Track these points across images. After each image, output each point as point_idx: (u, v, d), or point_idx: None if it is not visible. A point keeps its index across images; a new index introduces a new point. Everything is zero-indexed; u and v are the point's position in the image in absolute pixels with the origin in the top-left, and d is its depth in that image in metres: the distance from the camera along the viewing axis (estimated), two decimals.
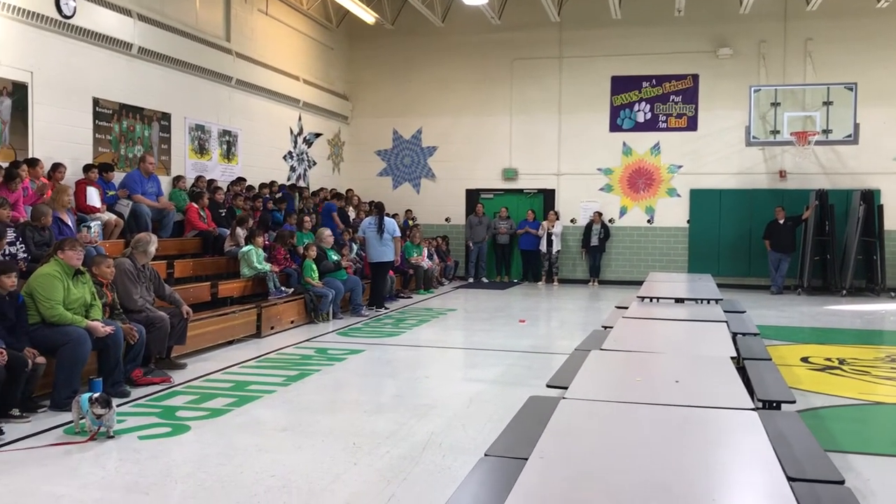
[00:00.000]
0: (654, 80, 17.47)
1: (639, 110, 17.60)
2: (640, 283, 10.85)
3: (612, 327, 6.14)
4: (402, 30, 18.28)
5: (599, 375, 4.22)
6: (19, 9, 9.37)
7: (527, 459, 2.70)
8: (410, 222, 17.42)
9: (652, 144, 17.58)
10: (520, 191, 18.38)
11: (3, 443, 5.28)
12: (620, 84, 17.65)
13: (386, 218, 12.78)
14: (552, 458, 2.73)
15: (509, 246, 17.99)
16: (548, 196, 18.19)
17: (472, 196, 18.49)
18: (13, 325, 6.07)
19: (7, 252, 7.13)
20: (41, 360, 6.03)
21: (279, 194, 14.26)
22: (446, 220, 18.67)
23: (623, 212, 17.83)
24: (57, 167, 9.44)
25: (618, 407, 3.47)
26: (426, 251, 16.19)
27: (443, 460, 5.02)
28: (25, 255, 7.44)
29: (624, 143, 17.69)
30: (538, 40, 17.85)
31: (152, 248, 7.82)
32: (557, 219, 17.56)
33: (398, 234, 12.91)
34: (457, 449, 5.24)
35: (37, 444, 5.31)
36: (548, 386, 4.86)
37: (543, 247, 17.49)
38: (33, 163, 9.15)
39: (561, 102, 17.89)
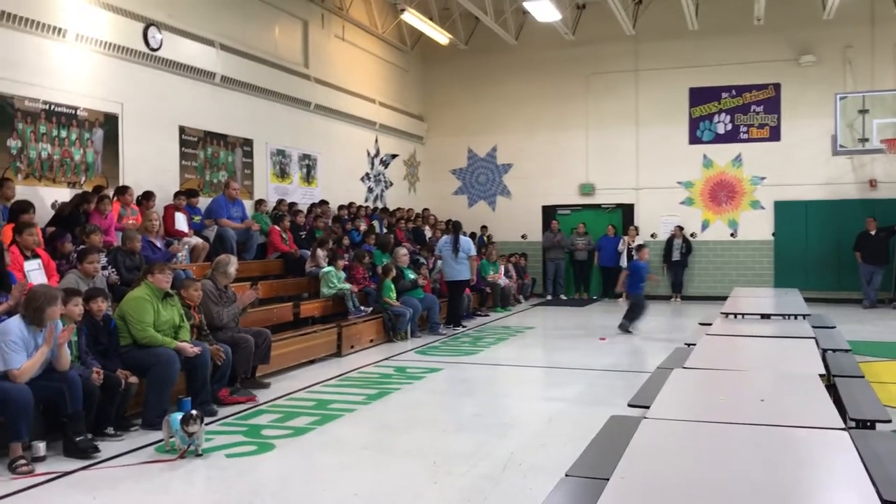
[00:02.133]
0: (733, 91, 17.09)
1: (719, 122, 17.24)
2: (723, 298, 10.58)
3: (695, 345, 6.01)
4: (475, 49, 18.40)
5: (682, 394, 4.13)
6: (110, 44, 9.83)
7: (608, 480, 2.67)
8: (486, 239, 17.43)
9: (733, 156, 17.17)
10: (598, 206, 18.19)
11: (98, 460, 5.49)
12: (699, 95, 17.34)
13: (461, 237, 12.82)
14: (634, 479, 2.69)
15: (588, 262, 17.79)
16: (626, 211, 17.95)
17: (549, 212, 18.40)
18: (106, 348, 6.35)
19: (101, 276, 7.44)
20: (133, 380, 6.27)
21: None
22: (522, 237, 18.62)
23: (705, 225, 17.45)
24: (149, 196, 9.84)
25: (701, 427, 3.40)
26: (503, 268, 16.17)
27: (523, 480, 4.98)
28: (117, 278, 7.75)
29: (704, 156, 17.34)
30: (613, 54, 17.71)
31: (232, 270, 8.03)
32: (637, 234, 17.29)
33: (474, 252, 12.93)
34: (537, 469, 5.20)
35: (130, 461, 5.51)
36: (629, 405, 4.79)
37: (623, 262, 17.22)
38: (123, 190, 9.55)
39: (638, 116, 17.67)
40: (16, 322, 5.51)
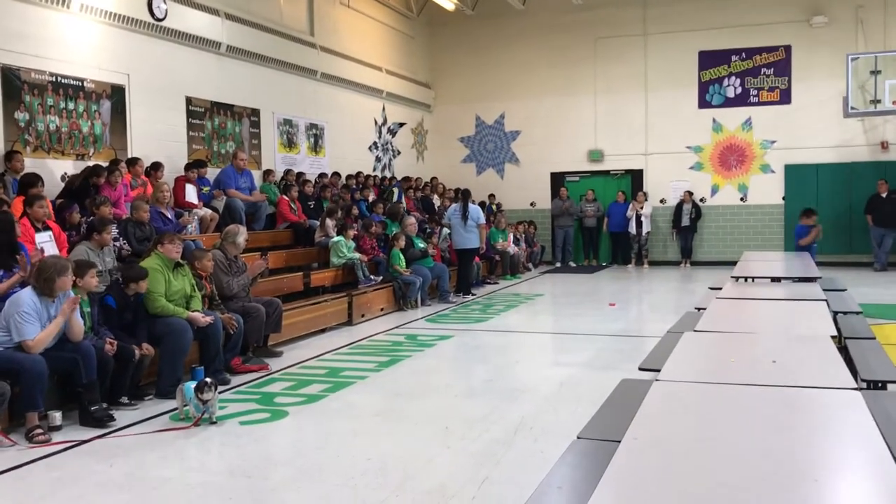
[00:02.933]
0: (743, 54, 16.89)
1: (728, 85, 17.06)
2: (733, 263, 10.55)
3: (705, 309, 6.00)
4: (482, 15, 18.21)
5: (693, 357, 4.14)
6: (115, 14, 9.77)
7: (620, 442, 2.68)
8: (494, 207, 17.39)
9: (743, 120, 17.02)
10: (606, 172, 18.10)
11: (114, 429, 5.56)
12: (708, 59, 17.14)
13: (470, 205, 12.78)
14: (646, 441, 2.70)
15: (597, 229, 17.75)
16: (636, 177, 17.85)
17: (557, 179, 18.32)
18: (130, 322, 6.39)
19: (113, 247, 7.46)
20: (150, 351, 6.32)
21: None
22: (531, 204, 18.56)
23: (715, 190, 17.35)
24: (158, 167, 9.84)
25: (712, 388, 3.40)
26: (512, 236, 16.15)
27: (535, 444, 5.02)
28: (129, 250, 7.78)
29: (714, 120, 17.19)
30: (622, 18, 17.50)
31: (241, 239, 8.02)
32: (646, 199, 17.22)
33: (483, 220, 12.90)
34: (548, 432, 5.24)
35: (145, 430, 5.57)
36: (640, 369, 4.78)
37: (633, 228, 17.18)
38: (133, 162, 9.57)
39: (647, 80, 17.50)
40: (28, 293, 5.55)
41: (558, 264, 17.69)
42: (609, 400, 4.05)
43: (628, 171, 17.92)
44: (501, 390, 6.55)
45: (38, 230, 6.92)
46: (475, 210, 12.77)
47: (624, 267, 17.30)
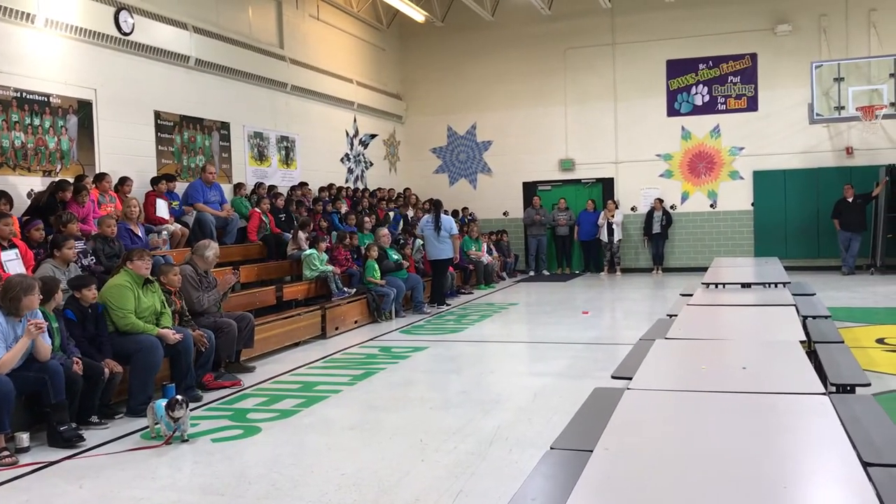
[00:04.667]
0: (710, 62, 17.11)
1: (696, 93, 17.27)
2: (704, 269, 10.65)
3: (676, 315, 6.05)
4: (452, 26, 18.29)
5: (664, 365, 4.16)
6: (81, 29, 9.68)
7: (592, 451, 2.68)
8: (467, 218, 17.41)
9: (711, 127, 17.23)
10: (578, 181, 18.21)
11: (83, 449, 5.47)
12: (676, 68, 17.34)
13: (443, 216, 12.79)
14: (617, 450, 2.70)
15: (569, 237, 17.84)
16: (607, 185, 17.99)
17: (530, 189, 18.40)
18: (94, 335, 6.31)
19: (81, 264, 7.38)
20: (118, 369, 6.24)
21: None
22: (504, 213, 18.62)
23: (685, 197, 17.52)
24: (124, 181, 9.73)
25: (683, 396, 3.42)
26: (485, 246, 16.18)
27: (509, 454, 5.02)
28: (98, 267, 7.69)
29: (682, 128, 17.38)
30: (590, 28, 17.66)
31: (209, 253, 7.94)
32: (617, 207, 17.35)
33: (455, 231, 12.90)
34: (523, 443, 5.24)
35: (115, 449, 5.49)
36: (613, 377, 4.81)
37: (604, 236, 17.30)
38: (100, 177, 9.45)
39: (616, 90, 17.66)
40: None
41: (532, 273, 17.75)
42: (582, 409, 4.07)
43: (599, 180, 18.05)
44: (476, 401, 6.54)
45: (3, 248, 6.81)
46: (448, 221, 12.77)
47: (597, 275, 17.40)
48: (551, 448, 3.39)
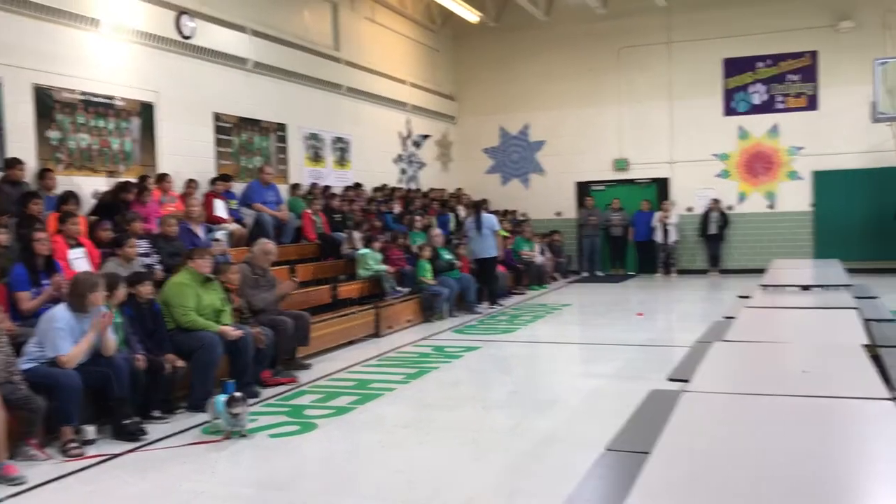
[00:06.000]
0: (769, 60, 16.76)
1: (754, 92, 16.94)
2: (762, 271, 10.44)
3: (734, 318, 5.96)
4: (505, 26, 18.26)
5: (723, 368, 4.11)
6: (143, 33, 9.93)
7: (649, 454, 2.67)
8: (520, 218, 17.37)
9: (769, 127, 16.88)
10: (632, 181, 18.02)
11: (146, 442, 5.62)
12: (733, 66, 17.03)
13: (483, 214, 12.78)
14: (676, 452, 2.69)
15: (623, 238, 17.67)
16: (661, 185, 17.76)
17: (583, 189, 18.28)
18: (152, 331, 6.49)
19: (143, 263, 7.58)
20: (179, 364, 6.40)
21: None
22: (557, 214, 18.52)
23: (742, 198, 17.20)
24: (189, 182, 9.99)
25: (743, 399, 3.38)
26: (538, 246, 16.13)
27: (564, 455, 5.01)
28: (160, 265, 7.89)
29: (739, 127, 17.07)
30: (645, 27, 17.45)
31: (261, 250, 8.09)
32: (672, 208, 17.12)
33: (497, 227, 12.83)
34: (577, 444, 5.22)
35: (176, 443, 5.64)
36: (669, 379, 4.76)
37: (659, 237, 17.08)
38: (161, 178, 9.70)
39: (671, 88, 17.42)
40: (62, 309, 5.65)
41: (585, 274, 17.62)
42: (638, 411, 4.04)
43: (654, 180, 17.83)
44: (530, 401, 6.54)
45: (71, 247, 7.04)
46: (488, 218, 12.74)
47: (651, 276, 17.19)
48: (607, 449, 3.38)
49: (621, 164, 17.96)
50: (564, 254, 17.78)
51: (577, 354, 9.30)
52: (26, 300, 6.14)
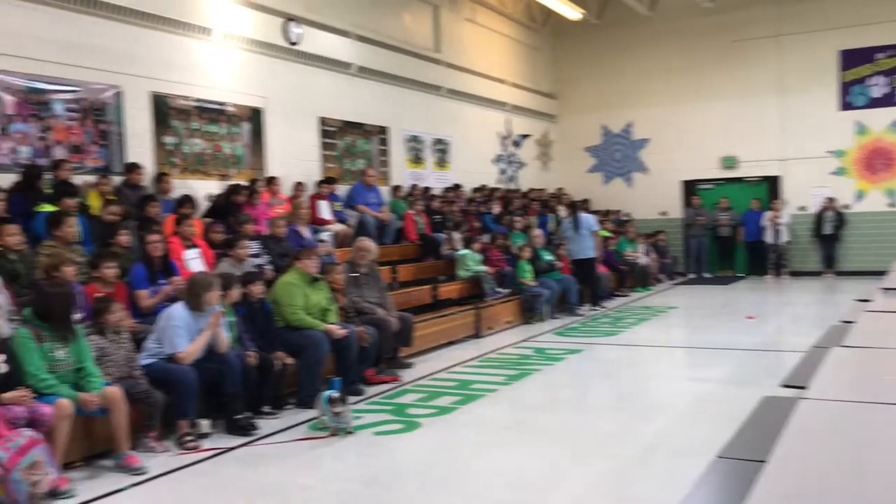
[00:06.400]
0: (890, 51, 15.88)
1: (873, 84, 16.07)
2: (882, 273, 9.91)
3: (853, 322, 5.67)
4: (608, 23, 17.98)
5: (844, 374, 3.91)
6: (253, 40, 10.28)
7: (765, 462, 2.57)
8: (623, 218, 17.08)
9: (891, 121, 15.98)
10: (741, 179, 17.41)
11: (257, 437, 5.81)
12: (850, 58, 16.22)
13: (582, 214, 12.60)
14: (794, 462, 2.57)
15: (732, 238, 17.09)
16: (772, 183, 17.09)
17: (689, 187, 17.80)
18: (263, 329, 6.71)
19: (254, 263, 7.84)
20: (289, 361, 6.59)
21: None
22: (662, 213, 18.09)
23: (860, 196, 16.36)
24: (297, 185, 10.29)
25: (866, 408, 3.20)
26: (641, 247, 15.80)
27: (671, 462, 4.89)
28: (270, 265, 8.14)
29: (857, 122, 16.23)
30: (755, 19, 16.83)
31: (356, 247, 8.22)
32: (784, 207, 16.44)
33: (596, 227, 12.64)
34: (685, 450, 5.08)
35: (286, 438, 5.80)
36: (783, 386, 4.58)
37: (769, 237, 16.43)
38: (270, 181, 10.03)
39: (782, 83, 16.73)
40: (179, 308, 5.91)
41: (691, 275, 17.15)
42: (751, 417, 3.89)
43: (764, 178, 17.18)
44: (634, 406, 6.41)
45: (186, 247, 7.35)
46: (586, 218, 12.57)
47: (761, 278, 16.56)
48: (718, 457, 3.27)
49: (729, 162, 17.39)
50: (670, 255, 17.35)
51: (683, 358, 9.06)
52: (145, 298, 6.45)
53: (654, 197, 18.08)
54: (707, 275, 17.08)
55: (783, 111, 16.76)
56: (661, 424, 5.76)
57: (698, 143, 17.55)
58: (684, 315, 12.24)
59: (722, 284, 15.70)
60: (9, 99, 7.64)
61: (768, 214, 16.40)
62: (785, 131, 16.79)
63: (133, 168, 8.48)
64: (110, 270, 6.14)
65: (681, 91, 17.63)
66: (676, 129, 17.77)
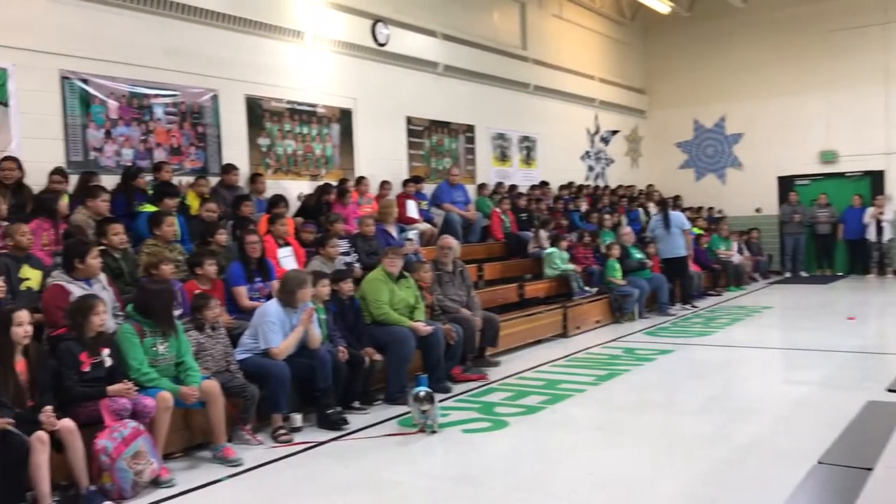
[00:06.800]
0: None
1: None
2: None
3: None
4: (699, 16, 17.51)
5: None
6: (342, 42, 10.47)
7: (870, 469, 2.47)
8: (716, 215, 16.63)
9: None
10: (841, 174, 16.70)
11: (347, 432, 5.91)
12: None
13: (671, 212, 12.32)
14: None
15: (831, 236, 16.41)
16: (876, 178, 16.32)
17: (785, 183, 17.18)
18: (352, 325, 6.83)
19: (344, 262, 7.99)
20: (377, 357, 6.69)
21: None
22: (756, 210, 17.52)
23: None
24: (383, 184, 10.44)
25: None
26: (735, 245, 15.35)
27: (767, 466, 4.73)
28: (359, 263, 8.28)
29: None
30: (857, 7, 16.09)
31: (438, 245, 8.25)
32: (889, 203, 15.67)
33: (687, 226, 12.33)
34: (782, 455, 4.91)
35: (375, 433, 5.88)
36: (888, 390, 4.39)
37: (872, 235, 15.69)
38: (359, 180, 10.19)
39: (888, 73, 15.96)
40: (273, 304, 6.07)
41: (788, 274, 16.56)
42: (854, 422, 3.76)
43: (867, 173, 16.42)
44: (728, 408, 6.24)
45: (279, 246, 7.55)
46: (677, 216, 12.28)
47: (863, 277, 15.84)
48: (819, 462, 3.16)
49: (829, 157, 16.71)
50: (765, 253, 16.80)
51: (779, 360, 8.76)
52: (244, 297, 6.65)
53: (748, 193, 17.54)
54: (804, 274, 16.47)
55: (889, 102, 15.99)
56: (755, 427, 5.59)
57: (795, 137, 16.93)
58: (780, 315, 11.83)
59: (820, 284, 15.10)
60: (113, 104, 8.01)
61: (871, 211, 15.67)
62: (890, 123, 16.02)
63: (229, 169, 8.76)
64: (209, 268, 6.36)
65: (776, 83, 17.03)
66: (772, 122, 17.19)
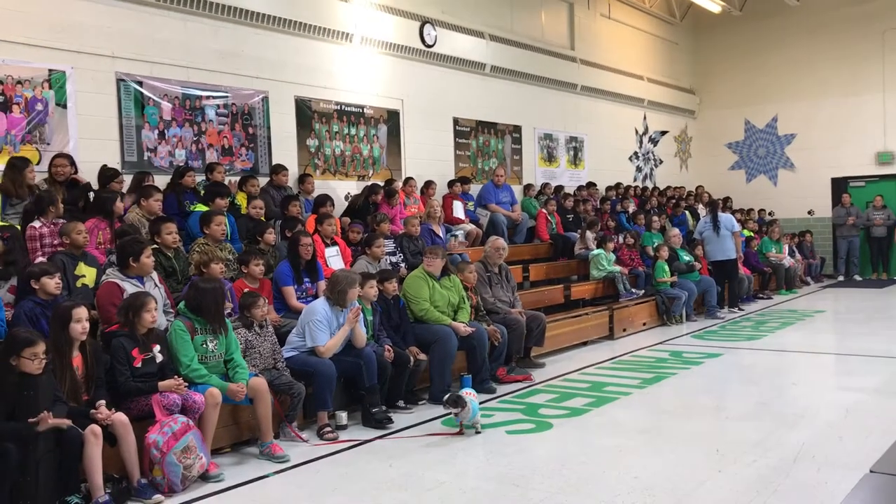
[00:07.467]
0: None
1: None
2: None
3: None
4: (751, 15, 17.22)
5: None
6: (390, 44, 10.54)
7: None
8: (767, 217, 16.34)
9: None
10: None
11: (392, 430, 5.96)
12: None
13: (721, 214, 12.13)
14: None
15: (887, 239, 15.99)
16: None
17: (839, 185, 16.80)
18: (397, 324, 6.87)
19: (390, 261, 8.05)
20: (421, 356, 6.73)
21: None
22: (809, 212, 17.18)
23: None
24: (429, 185, 10.49)
25: None
26: (787, 247, 15.06)
27: (817, 473, 4.64)
28: (404, 263, 8.33)
29: None
30: None
31: (492, 246, 8.25)
32: None
33: (737, 228, 12.14)
34: (833, 462, 4.81)
35: (419, 433, 5.92)
36: None
37: None
38: (406, 181, 10.25)
39: None
40: (321, 303, 6.15)
41: (841, 278, 16.19)
42: None
43: None
44: (777, 414, 6.13)
45: (327, 245, 7.64)
46: (727, 218, 12.10)
47: None
48: (871, 471, 3.10)
49: (885, 158, 16.29)
50: (817, 256, 16.45)
51: (831, 366, 8.57)
52: (292, 297, 6.74)
53: (800, 195, 17.21)
54: (858, 278, 16.09)
55: None
56: (805, 434, 5.48)
57: (850, 138, 16.56)
58: (833, 320, 11.58)
59: (875, 288, 14.74)
60: (167, 105, 8.18)
61: None
62: None
63: (279, 169, 8.89)
64: (257, 267, 6.46)
65: (830, 83, 16.69)
66: (826, 123, 16.84)
